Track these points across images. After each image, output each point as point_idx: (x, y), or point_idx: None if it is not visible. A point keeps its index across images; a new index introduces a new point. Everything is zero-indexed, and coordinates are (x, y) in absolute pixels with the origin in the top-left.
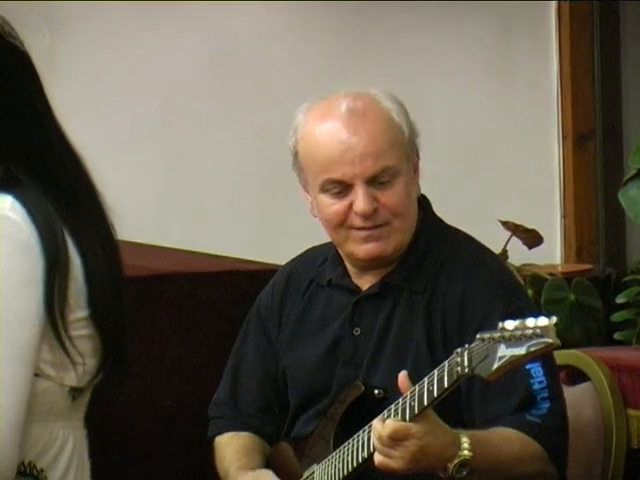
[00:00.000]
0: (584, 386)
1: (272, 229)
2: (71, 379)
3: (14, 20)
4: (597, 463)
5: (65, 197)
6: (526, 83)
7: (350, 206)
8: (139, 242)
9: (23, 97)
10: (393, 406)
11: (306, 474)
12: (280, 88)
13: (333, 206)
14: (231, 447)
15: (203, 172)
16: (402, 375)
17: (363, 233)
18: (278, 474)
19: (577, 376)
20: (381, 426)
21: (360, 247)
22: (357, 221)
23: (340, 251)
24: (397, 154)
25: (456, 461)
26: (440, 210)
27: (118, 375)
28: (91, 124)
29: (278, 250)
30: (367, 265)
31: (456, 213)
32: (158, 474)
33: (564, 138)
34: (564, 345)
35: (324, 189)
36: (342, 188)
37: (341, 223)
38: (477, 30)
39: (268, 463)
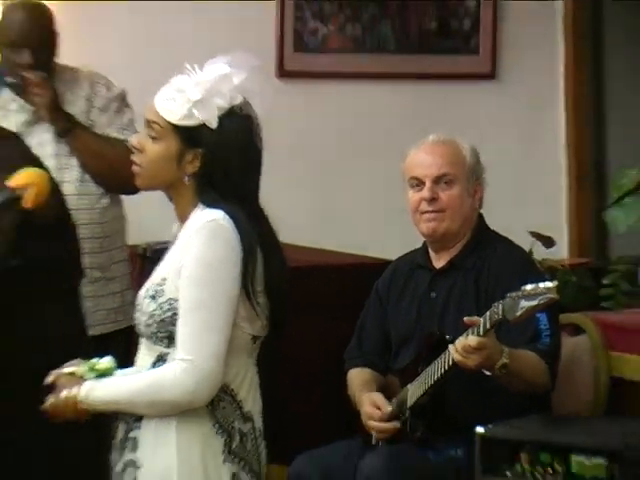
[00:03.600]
0: (582, 337)
1: (391, 234)
2: (252, 329)
3: None
4: (590, 385)
5: (252, 212)
6: (546, 143)
7: (422, 197)
8: (296, 244)
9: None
10: (468, 332)
11: (403, 391)
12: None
13: (413, 197)
14: (358, 377)
15: (343, 200)
16: (468, 319)
17: (427, 215)
18: (388, 396)
19: (578, 330)
20: (465, 339)
21: (425, 225)
22: (424, 205)
23: (419, 231)
24: (456, 170)
25: (500, 363)
26: (492, 223)
27: (277, 333)
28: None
29: (393, 249)
30: (432, 242)
31: (502, 227)
32: (305, 397)
33: (568, 177)
34: (570, 310)
35: (410, 185)
36: (419, 183)
37: (416, 209)
38: (511, 107)
39: (381, 389)
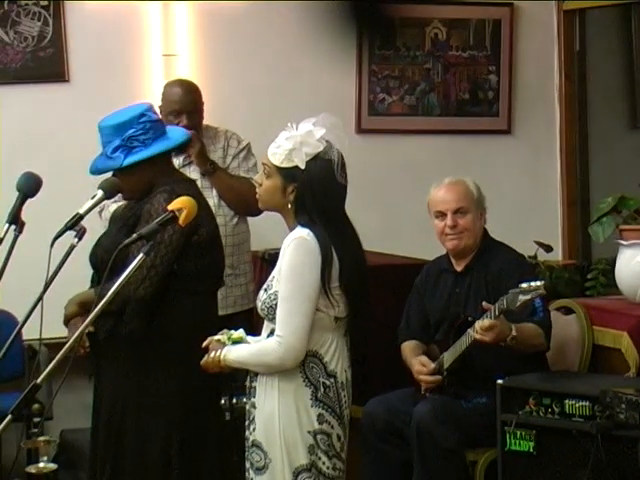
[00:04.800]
0: (572, 316)
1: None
2: (332, 313)
3: None
4: (578, 350)
5: (332, 227)
6: (547, 179)
7: (445, 224)
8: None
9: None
10: (484, 316)
11: (440, 357)
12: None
13: (439, 225)
14: (408, 347)
15: (401, 215)
16: (485, 304)
17: (450, 237)
18: (430, 359)
19: (569, 311)
20: (481, 321)
21: (449, 243)
22: (448, 230)
23: (444, 247)
24: (467, 202)
25: (511, 336)
26: (509, 236)
27: (356, 316)
28: None
29: (431, 253)
30: (454, 254)
31: (516, 238)
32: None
33: (562, 203)
34: (563, 297)
35: (435, 216)
36: (442, 215)
37: (442, 232)
38: (522, 154)
39: (425, 354)
